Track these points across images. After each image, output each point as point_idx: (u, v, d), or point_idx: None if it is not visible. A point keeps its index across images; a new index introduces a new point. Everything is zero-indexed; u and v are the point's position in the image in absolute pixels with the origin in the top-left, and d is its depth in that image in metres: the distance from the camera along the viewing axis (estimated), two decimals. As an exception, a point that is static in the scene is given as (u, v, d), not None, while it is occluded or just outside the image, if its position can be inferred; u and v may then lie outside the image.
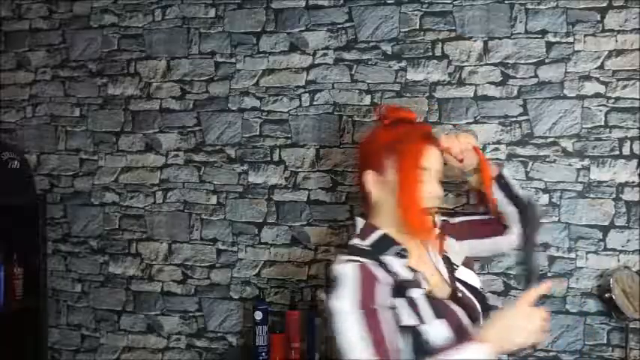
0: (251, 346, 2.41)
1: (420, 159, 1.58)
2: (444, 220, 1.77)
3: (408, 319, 1.46)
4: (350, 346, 1.39)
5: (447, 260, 1.67)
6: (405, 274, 1.54)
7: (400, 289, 1.49)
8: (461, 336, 1.45)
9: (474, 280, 1.66)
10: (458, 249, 1.73)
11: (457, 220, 1.82)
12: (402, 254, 1.57)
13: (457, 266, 1.66)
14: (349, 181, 2.45)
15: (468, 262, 1.72)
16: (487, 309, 1.61)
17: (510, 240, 1.81)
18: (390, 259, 1.55)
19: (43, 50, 2.76)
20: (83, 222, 2.72)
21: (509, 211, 1.79)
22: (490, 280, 2.31)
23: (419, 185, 1.57)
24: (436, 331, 1.45)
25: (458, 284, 1.61)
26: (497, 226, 1.83)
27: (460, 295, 1.58)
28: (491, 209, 1.83)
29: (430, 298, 1.50)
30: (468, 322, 1.52)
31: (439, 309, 1.49)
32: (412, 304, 1.47)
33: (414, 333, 1.45)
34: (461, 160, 1.71)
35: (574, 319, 2.27)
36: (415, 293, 1.49)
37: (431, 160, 1.61)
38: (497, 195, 1.79)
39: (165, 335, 2.63)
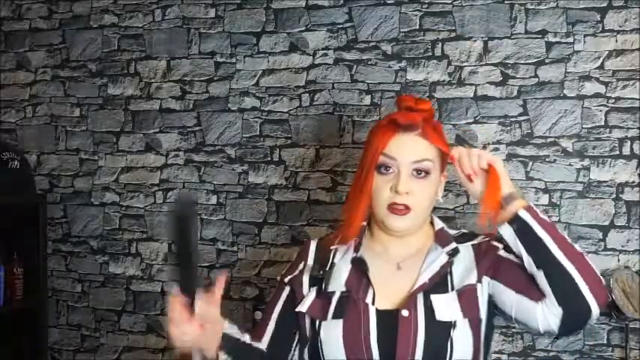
0: (251, 346, 2.41)
1: (379, 150, 1.33)
2: (489, 241, 1.39)
3: (305, 308, 1.35)
4: None
5: (438, 277, 1.34)
6: (339, 277, 1.37)
7: (318, 280, 1.38)
8: (352, 345, 1.28)
9: (446, 315, 1.29)
10: (483, 287, 1.35)
11: (505, 255, 1.36)
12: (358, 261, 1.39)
13: (442, 292, 1.32)
14: (349, 181, 2.45)
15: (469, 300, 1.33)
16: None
17: (544, 314, 1.27)
18: (341, 257, 1.41)
19: (43, 50, 2.76)
20: (83, 222, 2.72)
21: (534, 272, 1.28)
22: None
23: (367, 185, 1.34)
24: (328, 329, 1.31)
25: (420, 306, 1.30)
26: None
27: (405, 315, 1.28)
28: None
29: (345, 298, 1.33)
30: (373, 335, 1.28)
31: (344, 310, 1.31)
32: (325, 297, 1.34)
33: (312, 329, 1.35)
34: (470, 180, 1.34)
35: (574, 319, 2.27)
36: (334, 289, 1.35)
37: (400, 149, 1.33)
38: (513, 243, 1.31)
39: (165, 335, 2.63)
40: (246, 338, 1.34)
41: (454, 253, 1.37)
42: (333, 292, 1.35)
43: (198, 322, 1.14)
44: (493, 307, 1.35)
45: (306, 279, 1.40)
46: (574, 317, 1.25)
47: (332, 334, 1.30)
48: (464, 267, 1.36)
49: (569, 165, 2.28)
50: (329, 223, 2.47)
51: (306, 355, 1.38)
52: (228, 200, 2.57)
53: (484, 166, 1.32)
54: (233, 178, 2.56)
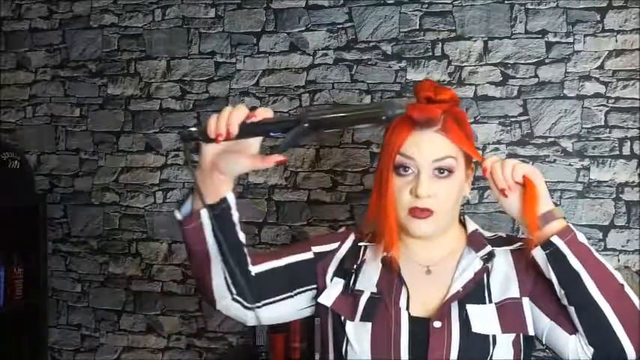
0: (251, 346, 2.41)
1: (395, 150, 1.22)
2: (529, 251, 1.20)
3: (330, 302, 1.26)
4: None
5: (475, 285, 1.23)
6: (370, 276, 1.27)
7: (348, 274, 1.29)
8: (381, 351, 1.19)
9: (483, 327, 1.18)
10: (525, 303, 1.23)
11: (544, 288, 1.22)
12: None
13: (482, 303, 1.21)
14: (349, 181, 2.45)
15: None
16: None
17: (576, 349, 1.18)
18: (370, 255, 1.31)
19: (43, 50, 2.75)
20: (83, 222, 2.72)
21: (566, 305, 1.17)
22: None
23: (389, 190, 1.22)
24: (356, 331, 1.22)
25: (454, 317, 1.19)
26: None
27: (438, 326, 1.18)
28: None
29: (376, 300, 1.23)
30: (403, 343, 1.19)
31: (373, 313, 1.22)
32: (353, 295, 1.25)
33: (334, 325, 1.26)
34: (504, 195, 1.18)
35: (574, 319, 2.27)
36: (363, 287, 1.26)
37: (418, 148, 1.20)
38: (545, 269, 1.18)
39: (165, 335, 2.63)
40: (242, 237, 1.18)
41: (489, 257, 1.25)
42: (362, 292, 1.25)
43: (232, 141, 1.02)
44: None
45: (334, 264, 1.30)
46: (606, 359, 1.15)
47: (360, 337, 1.21)
48: (504, 275, 1.23)
49: (569, 165, 2.28)
50: (329, 223, 2.47)
51: (330, 343, 1.27)
52: (228, 200, 2.56)
53: (519, 180, 1.16)
54: (233, 178, 2.56)
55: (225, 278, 1.17)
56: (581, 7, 2.27)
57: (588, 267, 1.13)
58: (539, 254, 1.16)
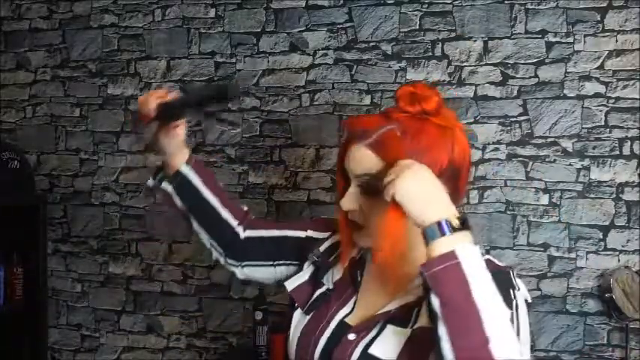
0: (251, 346, 2.41)
1: (339, 160, 1.21)
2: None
3: (292, 287, 1.27)
4: None
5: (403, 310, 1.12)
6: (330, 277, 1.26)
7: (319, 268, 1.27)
8: (303, 346, 1.18)
9: (381, 351, 1.08)
10: None
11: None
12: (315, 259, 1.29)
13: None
14: (349, 181, 2.45)
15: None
16: None
17: None
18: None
19: (43, 50, 2.75)
20: (83, 222, 2.72)
21: None
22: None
23: (338, 197, 1.19)
24: (297, 320, 1.23)
25: (372, 333, 1.12)
26: None
27: (351, 338, 1.12)
28: None
29: (326, 295, 1.22)
30: (320, 345, 1.16)
31: (316, 308, 1.21)
32: (313, 285, 1.25)
33: (290, 307, 1.27)
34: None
35: (574, 319, 2.27)
36: (325, 282, 1.25)
37: (350, 162, 1.15)
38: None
39: (165, 335, 2.63)
40: (216, 203, 1.31)
41: None
42: (322, 285, 1.24)
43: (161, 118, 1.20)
44: None
45: (316, 252, 1.30)
46: None
47: (297, 326, 1.22)
48: None
49: (569, 165, 2.28)
50: (329, 223, 2.46)
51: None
52: (228, 200, 2.57)
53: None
54: (233, 178, 2.56)
55: (207, 232, 1.34)
56: (581, 7, 2.27)
57: (448, 308, 0.92)
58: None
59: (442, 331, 0.92)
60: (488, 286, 0.93)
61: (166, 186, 1.28)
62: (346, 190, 1.16)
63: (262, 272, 1.37)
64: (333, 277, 1.26)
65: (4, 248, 2.60)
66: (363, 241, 1.17)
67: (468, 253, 0.93)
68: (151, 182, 1.33)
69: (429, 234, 0.96)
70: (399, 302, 1.13)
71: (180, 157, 1.27)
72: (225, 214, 1.34)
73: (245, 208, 1.39)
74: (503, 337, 0.91)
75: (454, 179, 1.11)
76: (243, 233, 1.35)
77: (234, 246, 1.34)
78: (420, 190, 0.98)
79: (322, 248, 1.32)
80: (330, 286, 1.24)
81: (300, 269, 1.31)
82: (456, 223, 0.96)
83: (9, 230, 2.62)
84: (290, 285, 1.29)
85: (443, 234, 0.95)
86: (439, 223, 0.95)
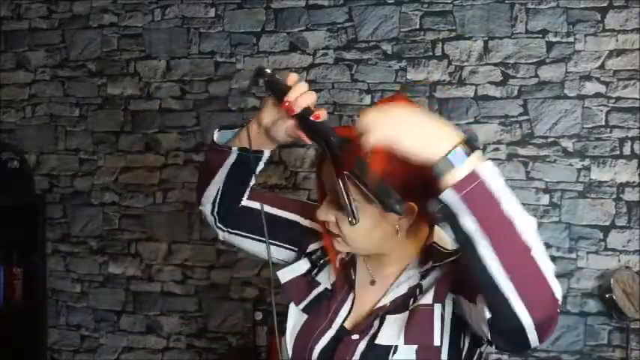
0: (251, 346, 2.41)
1: (317, 173, 1.20)
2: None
3: (285, 280, 1.28)
4: None
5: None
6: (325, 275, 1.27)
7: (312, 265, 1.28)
8: (300, 347, 1.20)
9: (386, 339, 1.11)
10: (446, 308, 1.11)
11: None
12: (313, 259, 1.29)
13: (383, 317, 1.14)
14: (349, 181, 2.44)
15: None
16: None
17: (475, 316, 1.04)
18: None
19: (43, 50, 2.75)
20: (83, 222, 2.71)
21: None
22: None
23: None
24: (294, 317, 1.24)
25: (373, 329, 1.14)
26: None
27: (354, 338, 1.14)
28: None
29: (324, 295, 1.23)
30: (318, 347, 1.18)
31: (314, 308, 1.22)
32: (309, 282, 1.26)
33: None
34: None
35: (575, 319, 2.27)
36: (321, 281, 1.25)
37: (324, 175, 1.16)
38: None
39: (165, 335, 2.63)
40: (250, 183, 1.29)
41: (427, 274, 1.14)
42: (319, 284, 1.25)
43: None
44: (466, 327, 1.10)
45: (315, 245, 1.29)
46: (503, 330, 1.02)
47: (294, 324, 1.23)
48: (428, 286, 1.13)
49: (570, 165, 2.28)
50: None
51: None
52: (228, 200, 2.56)
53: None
54: (233, 178, 2.55)
55: (216, 196, 1.29)
56: (581, 6, 2.27)
57: (486, 226, 0.90)
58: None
59: (483, 247, 0.90)
60: (515, 200, 0.93)
61: (234, 151, 1.22)
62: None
63: (250, 245, 1.35)
64: (330, 277, 1.26)
65: (4, 248, 2.60)
66: (340, 246, 1.17)
67: (489, 171, 0.92)
68: (216, 135, 1.29)
69: (442, 168, 0.89)
70: (392, 295, 1.16)
71: (270, 145, 1.22)
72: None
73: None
74: (540, 247, 0.94)
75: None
76: (244, 203, 1.31)
77: (229, 213, 1.31)
78: (408, 126, 0.91)
79: (317, 247, 1.31)
80: (329, 286, 1.25)
81: (294, 256, 1.32)
82: (465, 147, 0.91)
83: (8, 230, 2.61)
84: (283, 276, 1.29)
85: (461, 162, 0.90)
86: (452, 154, 0.90)
